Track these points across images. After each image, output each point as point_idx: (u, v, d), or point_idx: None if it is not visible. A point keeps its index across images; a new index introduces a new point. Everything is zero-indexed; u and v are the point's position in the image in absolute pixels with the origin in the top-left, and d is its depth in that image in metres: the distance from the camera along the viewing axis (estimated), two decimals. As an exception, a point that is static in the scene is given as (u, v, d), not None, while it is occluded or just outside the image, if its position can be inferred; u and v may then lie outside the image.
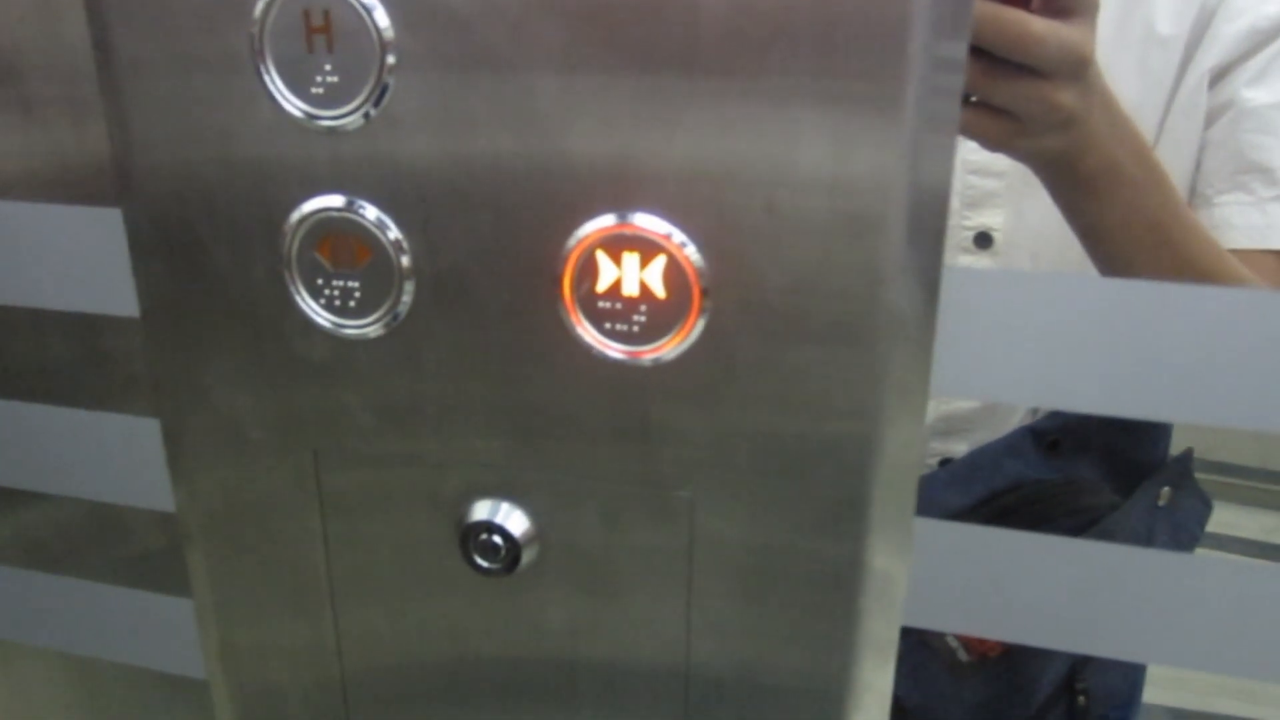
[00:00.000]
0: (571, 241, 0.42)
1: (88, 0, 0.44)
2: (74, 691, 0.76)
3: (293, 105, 0.43)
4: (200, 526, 0.53)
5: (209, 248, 0.47)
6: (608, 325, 0.43)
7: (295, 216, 0.45)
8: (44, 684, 0.75)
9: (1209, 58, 0.77)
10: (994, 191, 0.80)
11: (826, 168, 0.39)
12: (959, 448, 0.85)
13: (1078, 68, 0.54)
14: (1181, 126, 0.78)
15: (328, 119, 0.43)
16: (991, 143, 0.57)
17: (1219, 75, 0.77)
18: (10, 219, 0.51)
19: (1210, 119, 0.78)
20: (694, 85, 0.39)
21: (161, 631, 0.60)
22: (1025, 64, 0.53)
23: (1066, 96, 0.55)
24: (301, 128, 0.43)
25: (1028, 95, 0.54)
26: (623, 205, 0.41)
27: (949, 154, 0.40)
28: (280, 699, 0.57)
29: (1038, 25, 0.52)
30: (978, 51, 0.52)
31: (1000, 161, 0.80)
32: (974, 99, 0.55)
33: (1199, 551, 0.84)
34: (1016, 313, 0.43)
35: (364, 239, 0.44)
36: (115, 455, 0.55)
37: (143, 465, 0.54)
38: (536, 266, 0.43)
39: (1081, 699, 0.80)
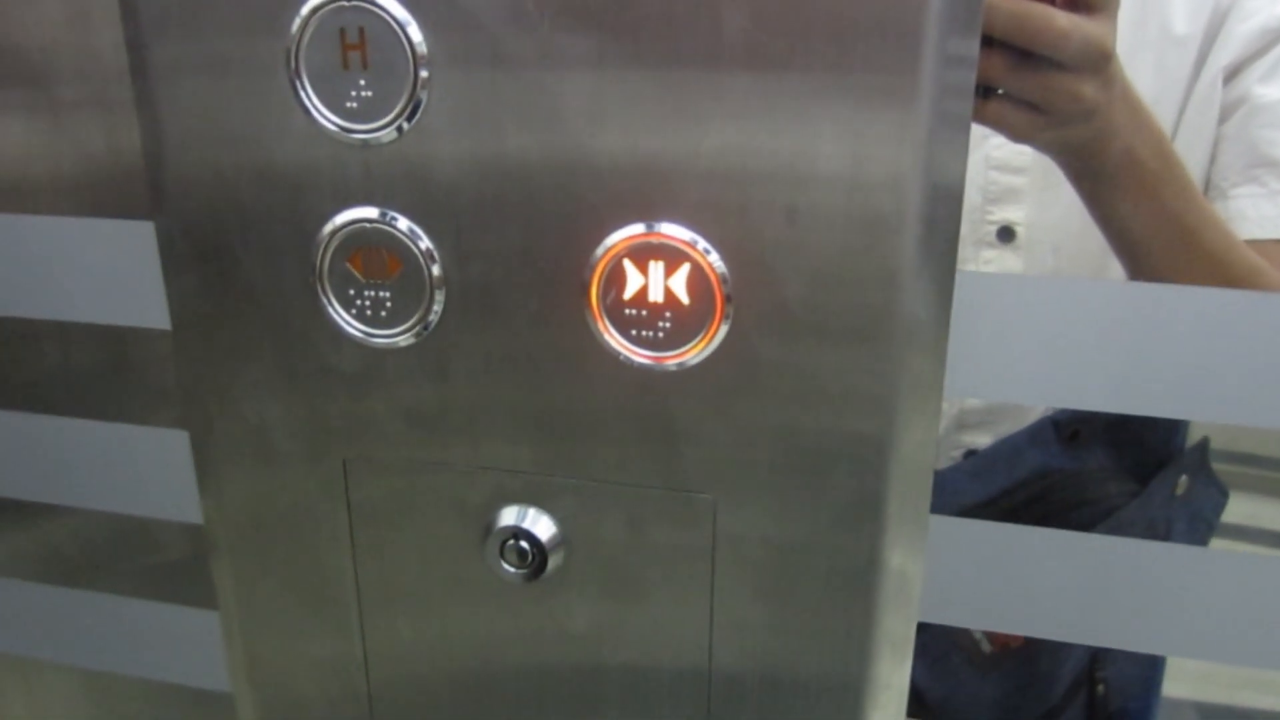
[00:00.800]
0: (599, 250, 0.44)
1: (124, 15, 0.45)
2: (93, 706, 0.76)
3: (327, 120, 0.44)
4: (228, 538, 0.54)
5: (241, 260, 0.48)
6: (634, 332, 0.45)
7: (328, 228, 0.46)
8: (63, 698, 0.75)
9: (1223, 56, 0.80)
10: (1017, 187, 0.83)
11: (844, 169, 0.41)
12: (983, 439, 0.87)
13: (1100, 61, 0.57)
14: (1197, 122, 0.81)
15: (361, 133, 0.44)
16: (1016, 134, 0.60)
17: (1232, 73, 0.80)
18: (43, 233, 0.53)
19: (1224, 115, 0.81)
20: (717, 91, 0.41)
21: (185, 645, 0.60)
22: (1049, 57, 0.55)
23: (1088, 89, 0.57)
24: (335, 141, 0.44)
25: (1051, 87, 0.57)
26: (649, 215, 0.43)
27: (963, 152, 0.42)
28: (305, 711, 0.58)
29: (1062, 20, 0.55)
30: (1004, 45, 0.55)
31: (1022, 157, 0.82)
32: (1000, 91, 0.58)
33: (1217, 542, 0.86)
34: (1028, 315, 0.45)
35: (395, 250, 0.46)
36: (142, 468, 0.56)
37: (170, 477, 0.55)
38: (564, 275, 0.44)
39: (1101, 689, 0.82)
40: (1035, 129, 0.59)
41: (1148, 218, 0.65)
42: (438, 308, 0.46)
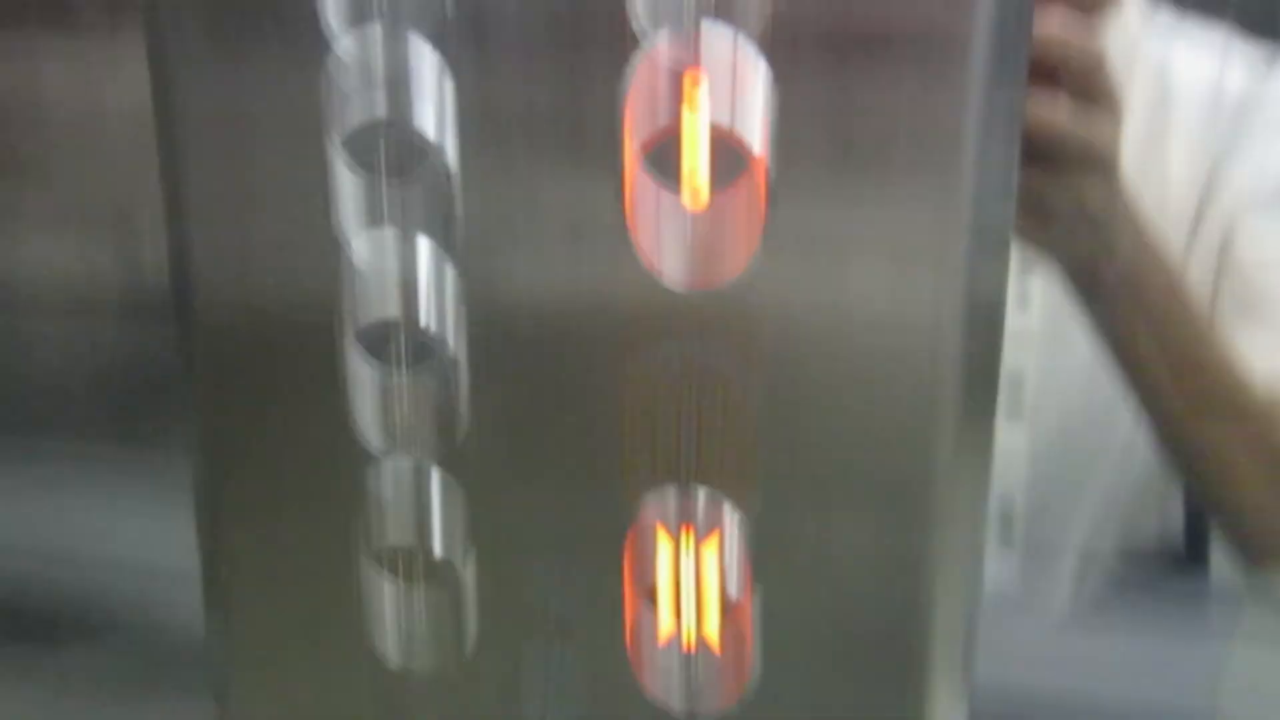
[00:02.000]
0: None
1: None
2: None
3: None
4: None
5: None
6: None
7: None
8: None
9: (1223, 204, 0.80)
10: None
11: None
12: None
13: (1101, 164, 0.57)
14: (1201, 265, 0.80)
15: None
16: (1018, 236, 0.56)
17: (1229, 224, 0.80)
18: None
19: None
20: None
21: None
22: (1052, 156, 0.55)
23: (1090, 192, 0.57)
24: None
25: (1052, 183, 0.56)
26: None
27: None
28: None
29: (1064, 119, 0.55)
30: None
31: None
32: None
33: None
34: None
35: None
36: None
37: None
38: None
39: None
40: (1036, 231, 0.58)
41: (1152, 346, 0.64)
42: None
